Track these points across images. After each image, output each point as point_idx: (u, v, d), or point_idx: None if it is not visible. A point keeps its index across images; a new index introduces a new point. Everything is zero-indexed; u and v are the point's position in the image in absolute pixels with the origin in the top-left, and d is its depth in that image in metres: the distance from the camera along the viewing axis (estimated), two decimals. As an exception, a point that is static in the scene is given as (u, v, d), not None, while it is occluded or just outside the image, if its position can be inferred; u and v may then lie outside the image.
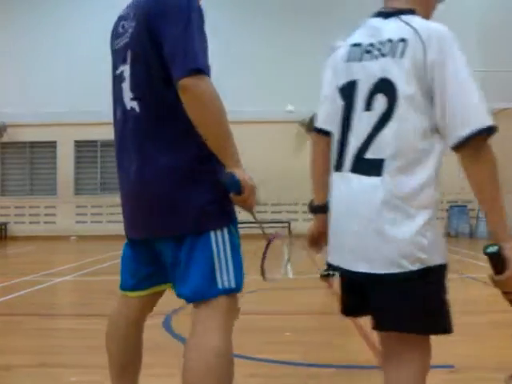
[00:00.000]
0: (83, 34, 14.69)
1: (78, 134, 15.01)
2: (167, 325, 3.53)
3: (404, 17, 1.27)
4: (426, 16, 1.37)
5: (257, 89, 13.43)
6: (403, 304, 1.23)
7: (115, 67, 1.59)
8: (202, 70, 1.35)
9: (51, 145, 15.23)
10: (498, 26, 13.46)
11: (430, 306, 1.26)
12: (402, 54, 1.22)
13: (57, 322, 4.02)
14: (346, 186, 1.30)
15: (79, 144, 15.25)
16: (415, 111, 1.22)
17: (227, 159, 1.43)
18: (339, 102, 1.35)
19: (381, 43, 1.27)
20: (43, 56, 14.83)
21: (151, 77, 1.45)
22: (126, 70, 1.52)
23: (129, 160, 1.52)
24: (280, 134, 14.20)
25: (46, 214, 15.05)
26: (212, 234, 1.45)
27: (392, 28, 1.27)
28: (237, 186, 1.41)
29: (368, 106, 1.28)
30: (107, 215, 14.89)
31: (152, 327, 3.59)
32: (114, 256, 9.22)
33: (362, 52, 1.31)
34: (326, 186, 1.40)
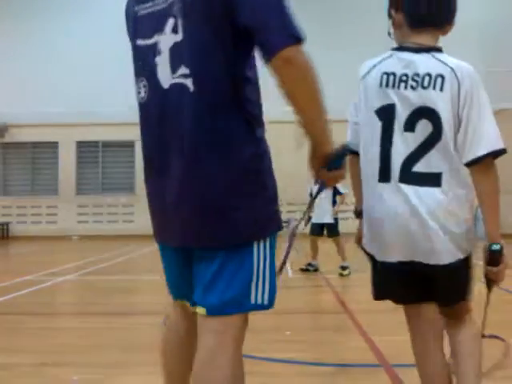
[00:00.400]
0: (85, 36, 14.71)
1: (80, 135, 15.04)
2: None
3: (437, 55, 1.55)
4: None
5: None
6: (461, 283, 1.62)
7: (142, 37, 1.33)
8: (302, 39, 1.18)
9: (53, 145, 15.27)
10: (498, 26, 13.45)
11: (471, 282, 1.64)
12: (442, 88, 1.49)
13: (59, 321, 4.04)
14: (397, 194, 1.53)
15: (81, 144, 15.29)
16: (453, 135, 1.51)
17: (323, 135, 1.26)
18: (376, 123, 1.57)
19: (417, 75, 1.52)
20: (45, 57, 14.87)
21: (213, 50, 1.23)
22: (163, 40, 1.28)
23: (166, 154, 1.29)
24: (279, 134, 14.20)
25: (48, 214, 15.09)
26: (255, 244, 1.30)
27: (428, 64, 1.52)
28: (342, 161, 1.31)
29: (410, 127, 1.52)
30: (108, 215, 14.92)
31: (152, 326, 3.61)
32: (115, 255, 9.25)
33: (397, 80, 1.54)
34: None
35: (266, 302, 1.32)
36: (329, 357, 2.86)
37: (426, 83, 1.51)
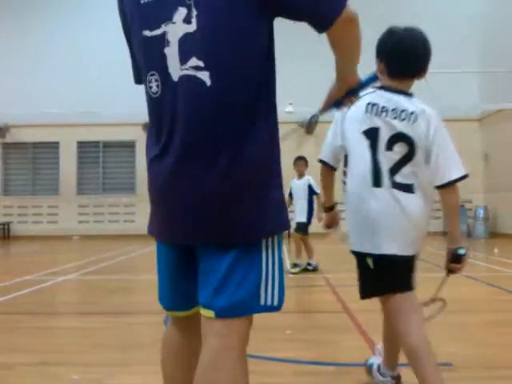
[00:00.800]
0: (86, 36, 14.73)
1: (81, 135, 15.06)
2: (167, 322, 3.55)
3: (411, 98, 1.97)
4: None
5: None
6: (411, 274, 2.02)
7: (149, 28, 1.25)
8: None
9: (54, 145, 15.29)
10: (498, 26, 13.43)
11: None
12: (415, 122, 1.91)
13: (59, 321, 4.04)
14: (390, 197, 1.91)
15: (81, 144, 15.30)
16: (422, 156, 1.93)
17: (355, 68, 1.37)
18: (364, 141, 1.96)
19: (395, 110, 1.93)
20: (46, 57, 14.88)
21: (235, 40, 1.18)
22: (171, 30, 1.21)
23: (173, 149, 1.24)
24: (280, 134, 14.20)
25: (49, 214, 15.11)
26: (264, 243, 1.27)
27: (404, 103, 1.94)
28: (362, 89, 1.49)
29: (389, 147, 1.93)
30: (109, 215, 14.94)
31: (153, 325, 3.62)
32: (115, 255, 9.25)
33: (380, 110, 1.95)
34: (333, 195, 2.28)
35: (275, 304, 1.30)
36: (329, 356, 2.87)
37: (402, 116, 1.92)
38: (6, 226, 14.83)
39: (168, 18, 1.21)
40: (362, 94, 1.90)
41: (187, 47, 1.20)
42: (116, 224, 14.74)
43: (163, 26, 1.22)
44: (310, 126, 14.04)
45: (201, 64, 1.19)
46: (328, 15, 1.19)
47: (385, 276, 1.97)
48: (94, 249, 11.13)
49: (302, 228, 6.55)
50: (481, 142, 14.33)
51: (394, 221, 1.90)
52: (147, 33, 1.25)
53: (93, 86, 14.40)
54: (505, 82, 12.43)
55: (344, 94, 1.43)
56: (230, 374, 1.22)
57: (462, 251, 1.93)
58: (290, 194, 6.67)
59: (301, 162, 6.62)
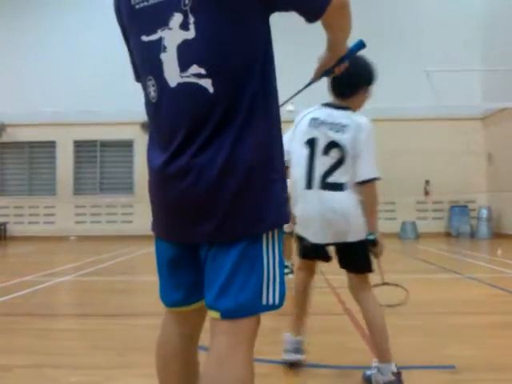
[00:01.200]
0: (83, 35, 14.68)
1: (78, 134, 15.00)
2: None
3: (349, 112, 2.41)
4: (359, 108, 2.50)
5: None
6: (365, 255, 2.46)
7: (146, 32, 1.26)
8: None
9: (50, 145, 15.23)
10: (499, 25, 13.44)
11: (370, 257, 2.48)
12: (347, 132, 2.36)
13: (57, 323, 4.01)
14: (319, 196, 2.37)
15: (78, 144, 15.25)
16: (351, 161, 2.36)
17: (345, 42, 1.48)
18: (304, 150, 2.43)
19: (333, 123, 2.39)
20: (42, 56, 14.83)
21: (236, 46, 1.20)
22: (168, 36, 1.22)
23: (173, 151, 1.25)
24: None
25: (46, 214, 15.04)
26: (264, 237, 1.27)
27: (341, 117, 2.39)
28: (351, 54, 1.59)
29: (325, 153, 2.38)
30: (106, 215, 14.88)
31: (151, 326, 3.58)
32: (113, 256, 9.21)
33: (320, 123, 2.41)
34: None
35: (277, 302, 1.30)
36: (329, 358, 2.85)
37: (337, 128, 2.37)
38: (2, 227, 14.77)
39: (164, 24, 1.22)
40: (306, 111, 2.52)
41: (187, 54, 1.20)
42: (114, 224, 14.69)
43: (159, 31, 1.23)
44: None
45: (203, 71, 1.20)
46: (320, 5, 1.25)
47: (318, 255, 2.60)
48: (92, 250, 11.09)
49: None
50: (484, 142, 14.31)
51: (323, 217, 2.36)
52: (144, 38, 1.26)
53: (90, 84, 14.35)
54: (508, 80, 12.38)
55: (334, 63, 1.56)
56: (236, 372, 1.22)
57: (370, 237, 2.37)
58: None
59: None
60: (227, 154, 1.21)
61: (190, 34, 1.19)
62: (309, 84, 1.65)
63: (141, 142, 14.30)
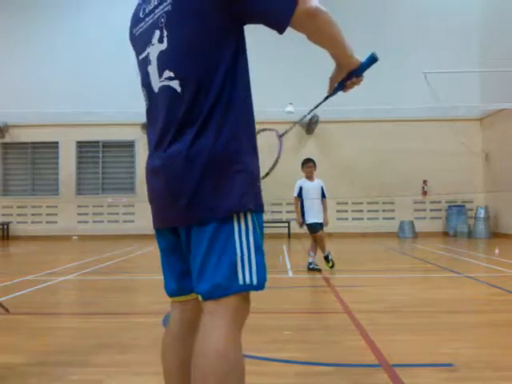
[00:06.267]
0: (86, 36, 14.73)
1: (80, 135, 15.05)
2: (167, 322, 3.55)
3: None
4: None
5: (257, 90, 13.41)
6: None
7: (140, 52, 1.51)
8: None
9: (53, 145, 15.28)
10: (497, 27, 13.44)
11: None
12: None
13: (59, 321, 4.03)
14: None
15: (81, 144, 15.29)
16: None
17: (346, 53, 1.47)
18: None
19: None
20: (46, 57, 14.87)
21: (197, 53, 1.35)
22: (151, 51, 1.44)
23: (155, 144, 1.44)
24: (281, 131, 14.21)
25: (48, 214, 15.09)
26: (235, 220, 1.36)
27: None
28: (365, 70, 1.55)
29: None
30: (108, 215, 14.93)
31: (152, 325, 3.62)
32: (115, 255, 9.25)
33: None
34: None
35: (255, 283, 1.37)
36: (328, 357, 2.86)
37: None
38: (5, 226, 14.82)
39: (149, 41, 1.45)
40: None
41: (162, 62, 1.41)
42: (115, 224, 14.73)
43: (147, 48, 1.46)
44: (310, 125, 14.06)
45: (172, 74, 1.39)
46: (283, 18, 1.31)
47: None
48: (94, 249, 11.12)
49: (321, 228, 6.78)
50: (482, 142, 14.33)
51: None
52: (140, 57, 1.51)
53: (92, 86, 14.40)
54: (505, 81, 12.43)
55: (346, 76, 1.55)
56: (218, 345, 1.29)
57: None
58: (300, 195, 6.81)
59: (311, 163, 6.88)
60: (191, 146, 1.35)
61: (164, 45, 1.40)
62: (325, 99, 1.68)
63: (142, 143, 14.36)
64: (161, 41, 1.40)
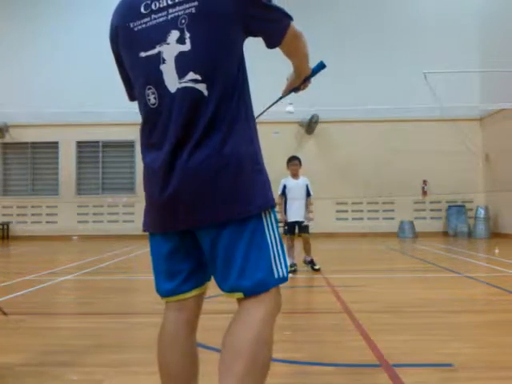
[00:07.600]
0: (85, 37, 14.72)
1: (80, 135, 15.05)
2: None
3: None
4: None
5: (256, 90, 13.44)
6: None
7: (143, 49, 1.46)
8: (291, 17, 1.56)
9: (53, 145, 15.28)
10: (498, 26, 13.43)
11: None
12: None
13: (58, 321, 4.03)
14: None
15: (81, 144, 15.29)
16: None
17: (307, 65, 1.76)
18: None
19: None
20: (45, 57, 14.88)
21: (222, 58, 1.42)
22: (166, 50, 1.43)
23: (171, 146, 1.41)
24: (280, 134, 14.21)
25: (48, 214, 15.10)
26: (263, 217, 1.45)
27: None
28: (314, 74, 1.85)
29: None
30: (108, 215, 14.93)
31: (151, 325, 3.61)
32: (115, 255, 9.24)
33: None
34: None
35: (285, 275, 1.46)
36: (328, 357, 2.86)
37: None
38: (5, 226, 14.82)
39: (162, 40, 1.44)
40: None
41: (184, 63, 1.41)
42: (115, 224, 14.73)
43: (158, 46, 1.44)
44: (310, 125, 14.05)
45: (198, 77, 1.41)
46: (280, 35, 1.52)
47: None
48: (94, 249, 11.12)
49: (305, 228, 6.60)
50: (482, 142, 14.33)
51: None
52: (142, 53, 1.47)
53: (92, 85, 14.40)
54: (505, 81, 12.43)
55: (300, 82, 1.84)
56: (255, 331, 1.36)
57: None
58: (283, 193, 6.60)
59: (296, 161, 6.64)
60: (221, 149, 1.40)
61: (186, 47, 1.42)
62: (278, 99, 1.93)
63: (143, 142, 14.35)
64: (181, 42, 1.41)
